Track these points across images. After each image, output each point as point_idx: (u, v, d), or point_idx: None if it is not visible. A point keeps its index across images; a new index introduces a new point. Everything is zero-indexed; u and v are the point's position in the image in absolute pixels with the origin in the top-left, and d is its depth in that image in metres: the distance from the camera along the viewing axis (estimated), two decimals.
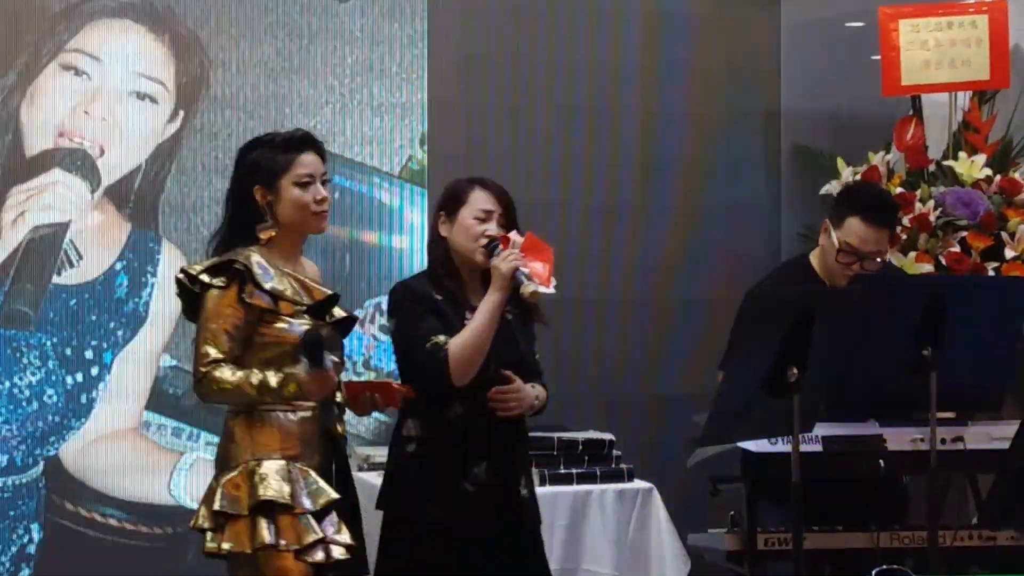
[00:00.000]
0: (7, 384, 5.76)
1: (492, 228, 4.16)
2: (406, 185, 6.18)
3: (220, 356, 3.82)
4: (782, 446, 4.39)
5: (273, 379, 3.80)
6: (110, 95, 5.87)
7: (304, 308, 3.92)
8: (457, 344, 4.06)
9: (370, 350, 6.13)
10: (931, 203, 5.97)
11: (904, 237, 5.93)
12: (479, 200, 4.19)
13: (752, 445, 4.50)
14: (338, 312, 4.03)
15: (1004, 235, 5.93)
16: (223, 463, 3.90)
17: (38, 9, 5.82)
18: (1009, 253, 5.90)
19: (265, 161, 3.93)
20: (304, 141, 3.99)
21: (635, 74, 6.47)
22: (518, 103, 6.32)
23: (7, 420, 5.76)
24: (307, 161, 3.95)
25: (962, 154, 6.11)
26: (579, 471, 5.30)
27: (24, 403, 5.79)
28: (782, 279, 4.98)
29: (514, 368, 4.17)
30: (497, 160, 6.21)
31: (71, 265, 5.76)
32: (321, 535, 3.82)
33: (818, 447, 4.55)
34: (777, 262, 6.44)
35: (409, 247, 6.15)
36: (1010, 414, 4.59)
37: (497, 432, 4.16)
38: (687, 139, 6.54)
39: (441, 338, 4.07)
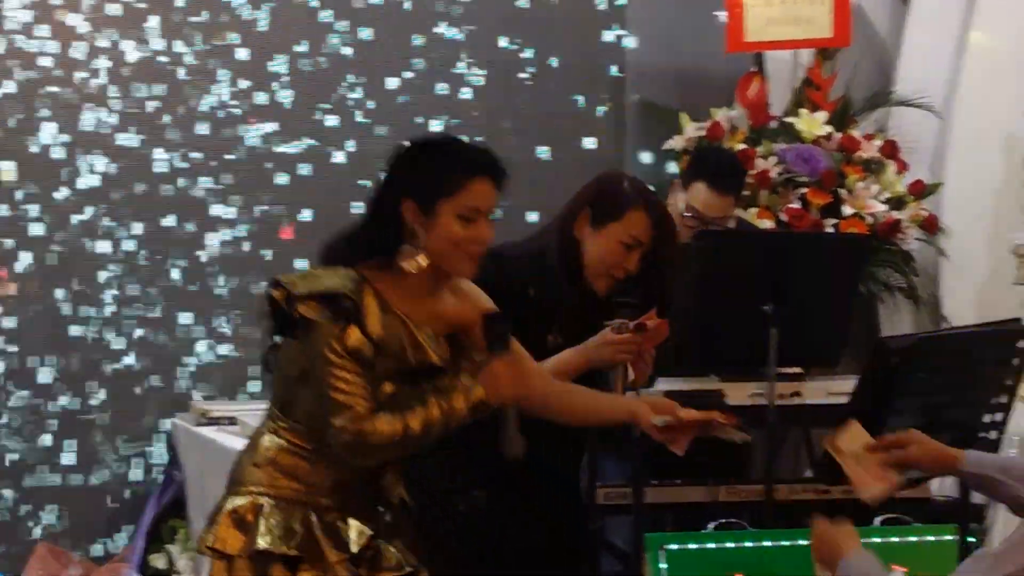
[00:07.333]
0: None
1: (632, 262, 3.77)
2: None
3: (366, 408, 3.11)
4: None
5: (457, 401, 3.13)
6: None
7: (397, 371, 3.17)
8: None
9: None
10: (772, 159, 6.02)
11: (746, 193, 5.96)
12: (636, 224, 3.76)
13: None
14: None
15: (843, 192, 6.00)
16: (235, 481, 3.25)
17: None
18: (847, 210, 5.96)
19: (428, 174, 3.17)
20: (485, 165, 3.20)
21: (482, 30, 6.41)
22: None
23: None
24: (480, 190, 3.18)
25: (803, 111, 6.16)
26: None
27: None
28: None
29: None
30: None
31: None
32: None
33: None
34: None
35: None
36: (847, 369, 4.63)
37: None
38: (532, 96, 6.50)
39: None
